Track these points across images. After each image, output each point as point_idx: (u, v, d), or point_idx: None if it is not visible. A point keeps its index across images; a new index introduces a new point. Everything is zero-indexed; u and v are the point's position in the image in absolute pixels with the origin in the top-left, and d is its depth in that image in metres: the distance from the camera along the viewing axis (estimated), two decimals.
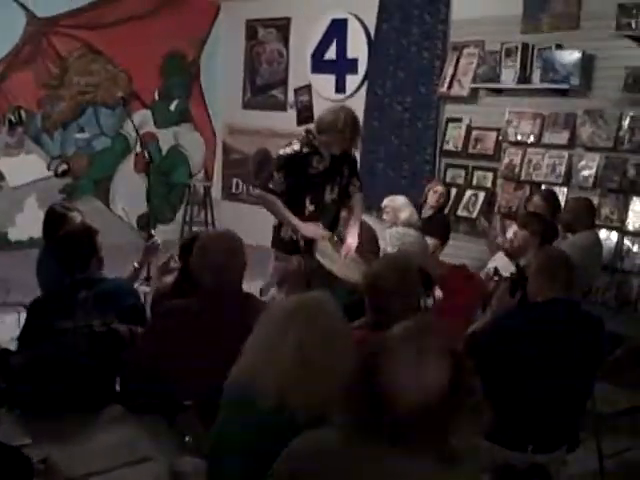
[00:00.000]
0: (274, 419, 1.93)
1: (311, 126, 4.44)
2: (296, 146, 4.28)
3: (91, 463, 2.04)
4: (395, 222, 5.14)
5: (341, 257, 4.31)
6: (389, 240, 4.97)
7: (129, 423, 2.39)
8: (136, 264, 3.91)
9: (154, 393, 2.51)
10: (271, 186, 4.26)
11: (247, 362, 2.03)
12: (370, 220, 5.40)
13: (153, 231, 4.12)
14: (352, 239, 4.43)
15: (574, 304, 3.22)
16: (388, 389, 1.42)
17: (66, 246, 3.32)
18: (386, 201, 5.34)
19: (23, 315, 4.40)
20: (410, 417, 1.40)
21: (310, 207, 4.32)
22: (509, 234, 5.38)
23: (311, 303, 2.04)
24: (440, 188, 6.07)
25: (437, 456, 1.42)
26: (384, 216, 5.27)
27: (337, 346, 2.01)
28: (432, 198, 6.03)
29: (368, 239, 4.79)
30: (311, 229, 4.25)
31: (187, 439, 1.80)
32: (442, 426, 1.41)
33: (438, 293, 4.51)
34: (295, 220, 4.25)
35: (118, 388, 2.67)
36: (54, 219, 3.91)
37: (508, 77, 6.17)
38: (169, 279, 3.57)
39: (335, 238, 4.39)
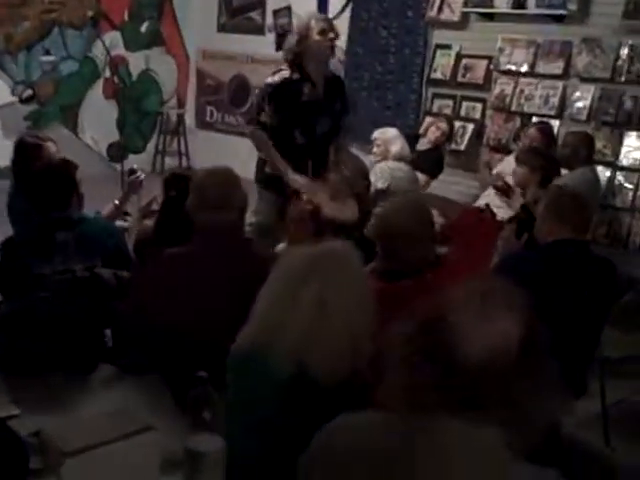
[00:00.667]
0: (294, 387, 1.73)
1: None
2: (285, 72, 3.96)
3: (87, 435, 1.84)
4: (385, 156, 4.89)
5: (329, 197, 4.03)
6: (379, 175, 4.75)
7: (124, 386, 2.18)
8: (117, 201, 3.65)
9: (150, 350, 2.30)
10: (263, 119, 3.91)
11: (259, 321, 1.82)
12: (355, 152, 5.15)
13: (135, 165, 3.81)
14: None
15: (585, 246, 3.08)
16: (452, 350, 1.24)
17: (43, 182, 3.03)
18: (376, 133, 5.07)
19: None
20: (477, 380, 1.23)
21: (300, 139, 3.99)
22: (500, 168, 5.23)
23: (332, 254, 1.83)
24: (443, 125, 5.88)
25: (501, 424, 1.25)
26: (374, 149, 5.01)
27: (361, 301, 1.82)
28: (433, 134, 5.84)
29: (358, 173, 4.55)
30: (300, 181, 3.91)
31: (205, 414, 1.59)
32: (510, 391, 1.24)
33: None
34: (284, 166, 3.91)
35: (109, 344, 2.45)
36: (27, 151, 3.58)
37: (502, 1, 5.88)
38: (150, 222, 3.31)
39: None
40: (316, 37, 3.90)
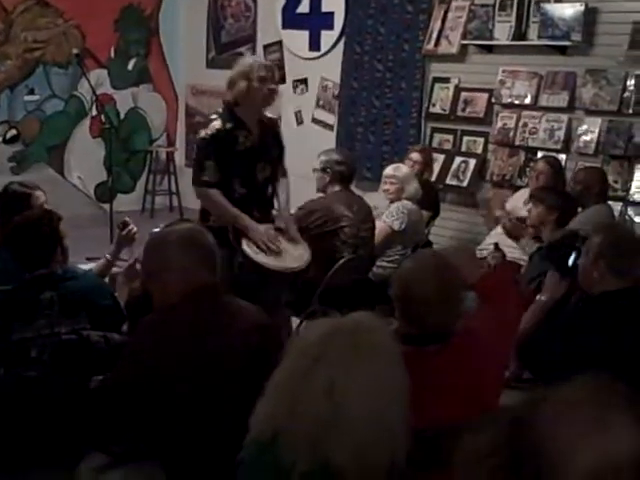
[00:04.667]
0: None
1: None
2: (217, 123, 3.69)
3: None
4: (399, 195, 4.64)
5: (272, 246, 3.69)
6: (396, 215, 4.52)
7: (118, 478, 1.89)
8: (108, 255, 3.39)
9: (144, 433, 2.02)
10: (206, 178, 3.65)
11: (270, 408, 1.57)
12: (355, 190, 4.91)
13: (127, 218, 3.55)
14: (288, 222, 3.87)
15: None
16: (550, 466, 0.98)
17: (24, 236, 2.77)
18: (390, 170, 4.79)
19: None
20: None
21: (241, 190, 3.73)
22: (511, 205, 5.00)
23: (349, 330, 1.58)
24: (414, 155, 5.42)
25: None
26: (387, 187, 4.73)
27: (387, 382, 1.57)
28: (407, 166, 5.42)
29: (364, 216, 4.32)
30: (262, 230, 3.66)
31: None
32: None
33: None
34: (246, 220, 3.66)
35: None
36: (13, 201, 3.31)
37: (502, 33, 5.71)
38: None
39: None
40: (255, 84, 3.65)
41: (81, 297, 2.71)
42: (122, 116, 7.97)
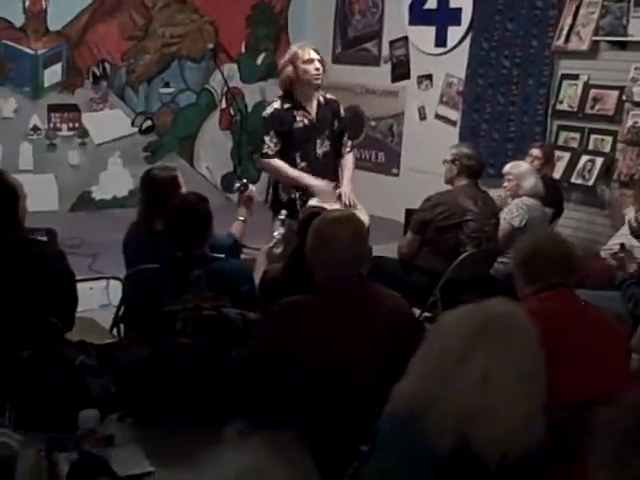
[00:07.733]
0: (455, 463, 1.56)
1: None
2: (275, 104, 4.29)
3: None
4: (516, 191, 4.64)
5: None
6: (516, 212, 4.52)
7: (259, 441, 2.05)
8: (241, 217, 3.81)
9: (281, 403, 2.17)
10: (265, 150, 4.24)
11: (418, 385, 1.66)
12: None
13: (245, 180, 4.07)
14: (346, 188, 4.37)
15: None
16: None
17: (184, 217, 2.99)
18: (507, 167, 4.83)
19: (112, 283, 4.18)
20: None
21: (302, 164, 4.27)
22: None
23: (500, 321, 1.64)
24: (534, 151, 5.38)
25: None
26: (505, 183, 4.76)
27: (531, 373, 1.63)
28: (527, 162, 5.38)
29: (488, 211, 4.34)
30: (324, 186, 4.18)
31: None
32: None
33: None
34: (307, 178, 4.19)
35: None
36: (165, 186, 3.55)
37: (636, 29, 5.56)
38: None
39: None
40: (302, 66, 4.17)
41: (225, 278, 2.90)
42: (250, 109, 8.25)
